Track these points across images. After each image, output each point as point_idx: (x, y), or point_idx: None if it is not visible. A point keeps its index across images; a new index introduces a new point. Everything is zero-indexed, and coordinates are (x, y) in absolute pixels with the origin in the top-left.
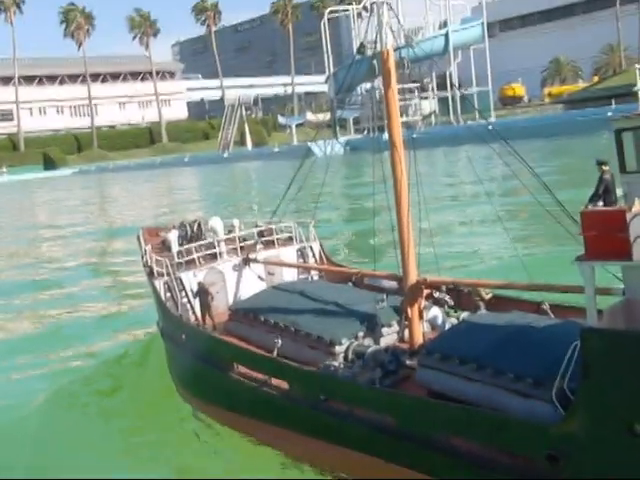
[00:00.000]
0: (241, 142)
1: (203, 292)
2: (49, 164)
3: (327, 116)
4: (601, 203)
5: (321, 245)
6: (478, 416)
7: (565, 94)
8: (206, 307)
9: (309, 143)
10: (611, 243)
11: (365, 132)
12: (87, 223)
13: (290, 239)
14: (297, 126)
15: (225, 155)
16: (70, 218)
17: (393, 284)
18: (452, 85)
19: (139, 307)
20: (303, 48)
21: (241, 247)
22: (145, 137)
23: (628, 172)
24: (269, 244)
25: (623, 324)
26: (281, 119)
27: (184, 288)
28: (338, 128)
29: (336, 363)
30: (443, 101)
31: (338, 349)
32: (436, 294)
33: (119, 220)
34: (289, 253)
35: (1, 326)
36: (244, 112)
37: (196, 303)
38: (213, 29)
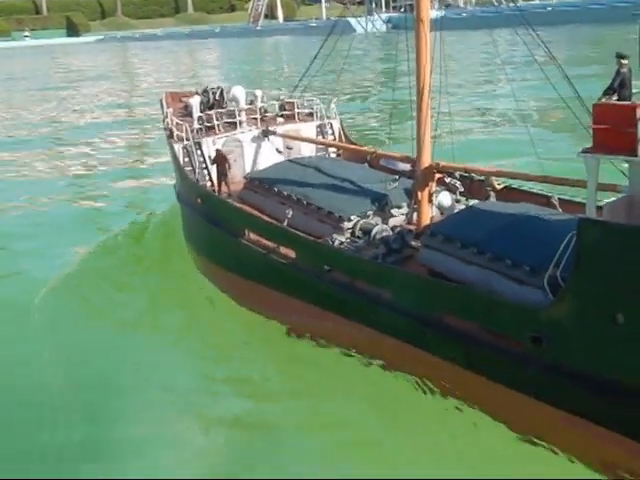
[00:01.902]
0: (271, 15)
1: (220, 159)
2: (72, 30)
3: None
4: (616, 97)
5: (341, 123)
6: (470, 296)
7: None
8: (222, 174)
9: (349, 18)
10: (618, 137)
11: (402, 9)
12: (114, 91)
13: (311, 115)
14: (327, 0)
15: (258, 27)
16: (97, 85)
17: (407, 167)
18: None
19: (157, 170)
20: None
21: (261, 118)
22: (170, 6)
23: None
24: (290, 118)
25: (623, 219)
26: None
27: (202, 154)
28: (374, 5)
29: (343, 238)
30: None
31: (346, 225)
32: (448, 180)
33: (145, 90)
34: (309, 128)
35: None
36: None
37: (213, 169)
38: None
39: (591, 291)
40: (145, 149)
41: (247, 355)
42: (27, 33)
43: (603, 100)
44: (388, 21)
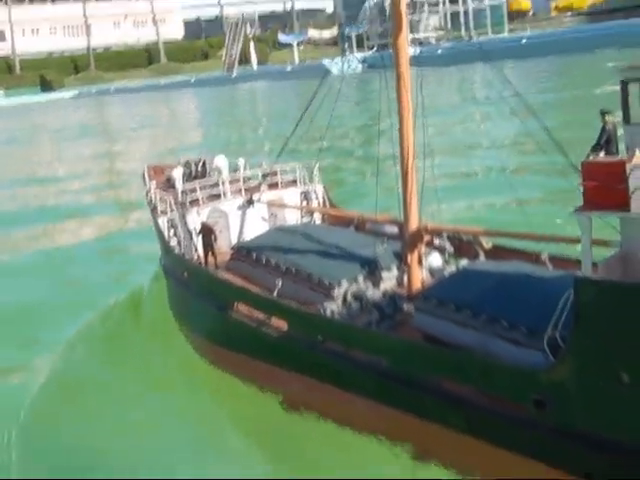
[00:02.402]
0: (244, 61)
1: (206, 231)
2: (46, 86)
3: (330, 33)
4: (603, 154)
5: (324, 188)
6: (469, 360)
7: (586, 6)
8: (209, 246)
9: (325, 61)
10: (610, 194)
11: (375, 49)
12: (95, 153)
13: (294, 181)
14: (298, 44)
15: (233, 75)
16: (75, 148)
17: (394, 229)
18: None
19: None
20: None
21: (245, 188)
22: (143, 57)
23: (632, 123)
24: (273, 185)
25: (618, 276)
26: (282, 37)
27: (187, 226)
28: (346, 45)
29: (334, 305)
30: (453, 16)
31: (337, 292)
32: (436, 241)
33: (126, 151)
34: (293, 195)
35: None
36: (248, 29)
37: (199, 241)
38: None
39: (593, 351)
40: (129, 218)
41: (241, 435)
42: (1, 92)
43: (591, 157)
44: (363, 61)
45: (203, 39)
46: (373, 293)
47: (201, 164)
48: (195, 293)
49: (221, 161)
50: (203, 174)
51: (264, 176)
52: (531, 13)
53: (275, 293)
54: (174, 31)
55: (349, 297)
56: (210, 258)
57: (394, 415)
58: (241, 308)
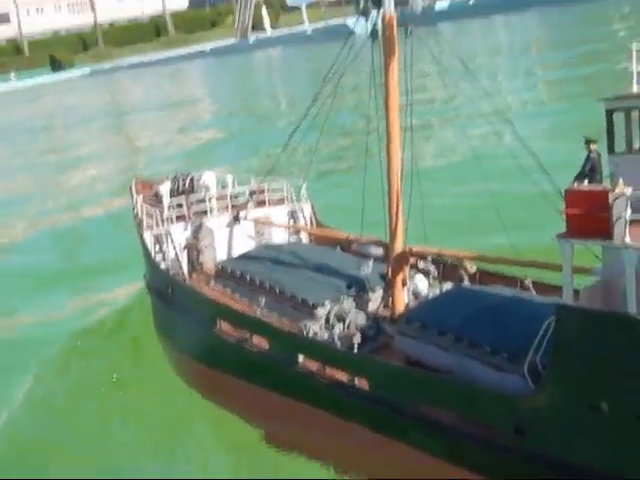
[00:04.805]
0: (255, 27)
1: (191, 247)
2: (56, 66)
3: None
4: (587, 182)
5: (312, 207)
6: (450, 385)
7: None
8: (194, 262)
9: (347, 21)
10: (592, 222)
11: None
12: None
13: (282, 199)
14: (307, 7)
15: (251, 42)
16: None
17: (380, 251)
18: None
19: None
20: None
21: (232, 204)
22: (150, 30)
23: (616, 153)
24: (261, 203)
25: (599, 304)
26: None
27: (173, 242)
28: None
29: (317, 326)
30: None
31: (320, 312)
32: (421, 264)
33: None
34: (280, 213)
35: None
36: None
37: (184, 257)
38: None
39: (572, 379)
40: None
41: (218, 459)
42: (12, 75)
43: (575, 185)
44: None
45: (208, 7)
46: (356, 315)
47: (189, 180)
48: (178, 309)
49: (209, 177)
50: (191, 190)
51: (252, 193)
52: None
53: (258, 311)
54: (178, 1)
55: (332, 318)
56: (195, 275)
57: (374, 438)
58: (224, 326)
